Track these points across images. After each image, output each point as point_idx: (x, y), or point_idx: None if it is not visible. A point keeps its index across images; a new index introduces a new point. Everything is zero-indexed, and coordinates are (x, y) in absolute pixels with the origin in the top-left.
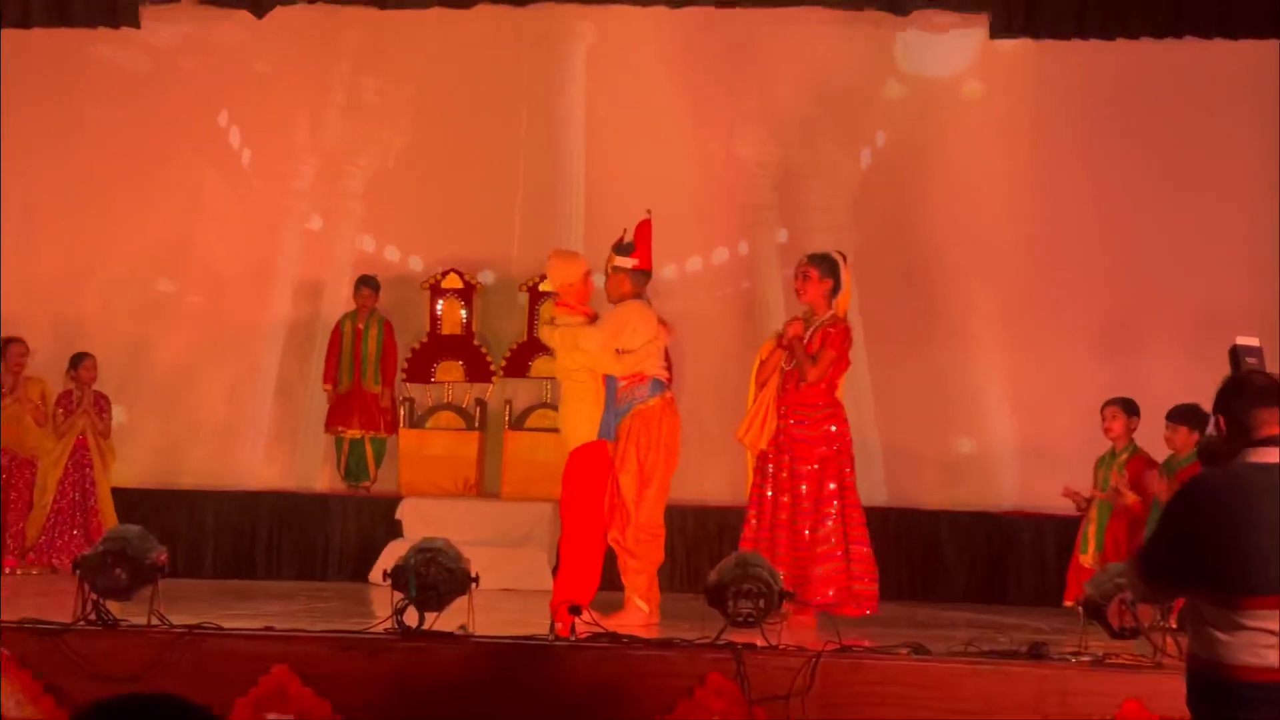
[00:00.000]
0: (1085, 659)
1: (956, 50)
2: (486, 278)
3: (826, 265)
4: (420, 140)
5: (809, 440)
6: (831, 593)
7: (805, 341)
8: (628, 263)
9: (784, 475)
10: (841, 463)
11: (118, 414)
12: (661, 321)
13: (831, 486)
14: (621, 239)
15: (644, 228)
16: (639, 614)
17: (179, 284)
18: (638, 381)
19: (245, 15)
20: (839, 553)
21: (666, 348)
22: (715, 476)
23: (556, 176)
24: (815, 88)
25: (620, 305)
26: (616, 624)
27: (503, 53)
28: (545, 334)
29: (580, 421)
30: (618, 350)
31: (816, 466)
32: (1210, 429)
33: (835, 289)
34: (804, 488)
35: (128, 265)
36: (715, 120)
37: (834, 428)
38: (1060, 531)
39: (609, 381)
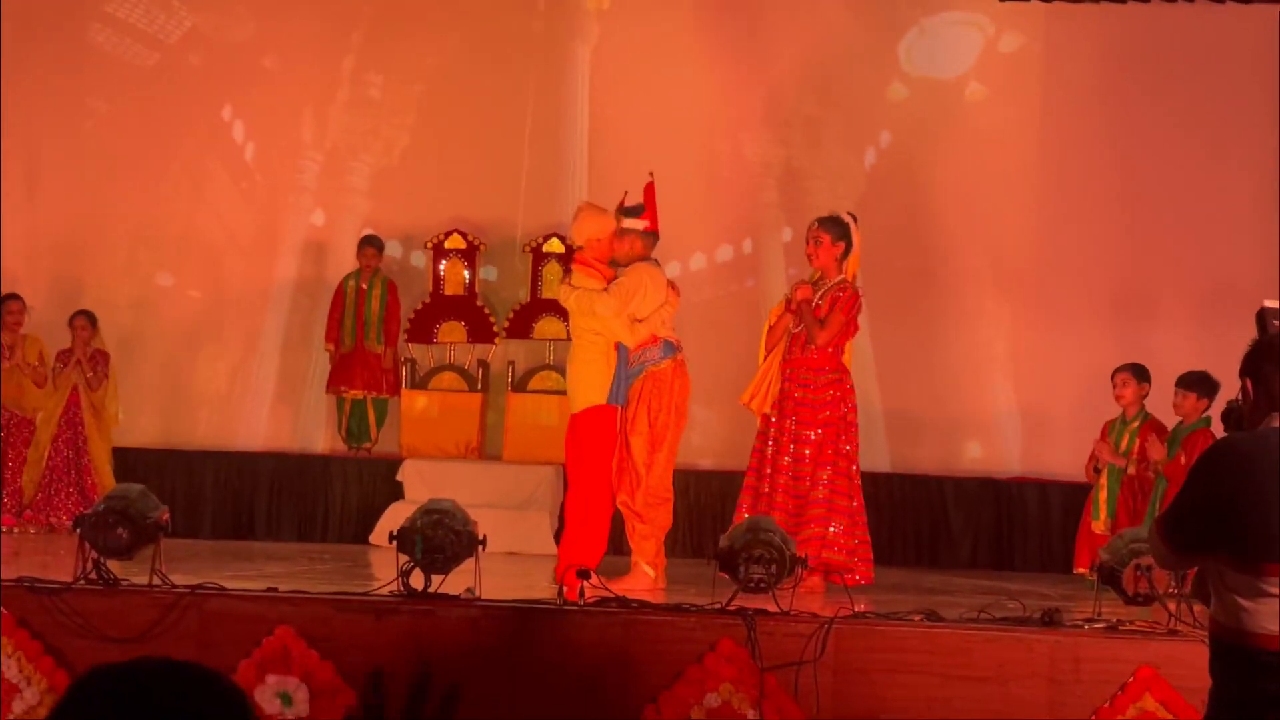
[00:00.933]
0: (1099, 625)
1: (964, 41)
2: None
3: (838, 229)
4: (424, 136)
5: (812, 404)
6: (824, 554)
7: (814, 305)
8: (638, 224)
9: (786, 439)
10: (844, 428)
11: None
12: (671, 284)
13: (831, 451)
14: (623, 201)
15: (650, 190)
16: (645, 579)
17: (177, 264)
18: (649, 344)
19: (250, 11)
20: (834, 517)
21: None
22: (718, 441)
23: (560, 178)
24: (820, 88)
25: (632, 269)
26: (623, 589)
27: (509, 49)
28: (563, 294)
29: (590, 384)
30: (633, 319)
31: (819, 431)
32: (1237, 394)
33: (847, 252)
34: (807, 452)
35: (130, 239)
36: (720, 120)
37: (836, 393)
38: (1067, 498)
39: (621, 345)
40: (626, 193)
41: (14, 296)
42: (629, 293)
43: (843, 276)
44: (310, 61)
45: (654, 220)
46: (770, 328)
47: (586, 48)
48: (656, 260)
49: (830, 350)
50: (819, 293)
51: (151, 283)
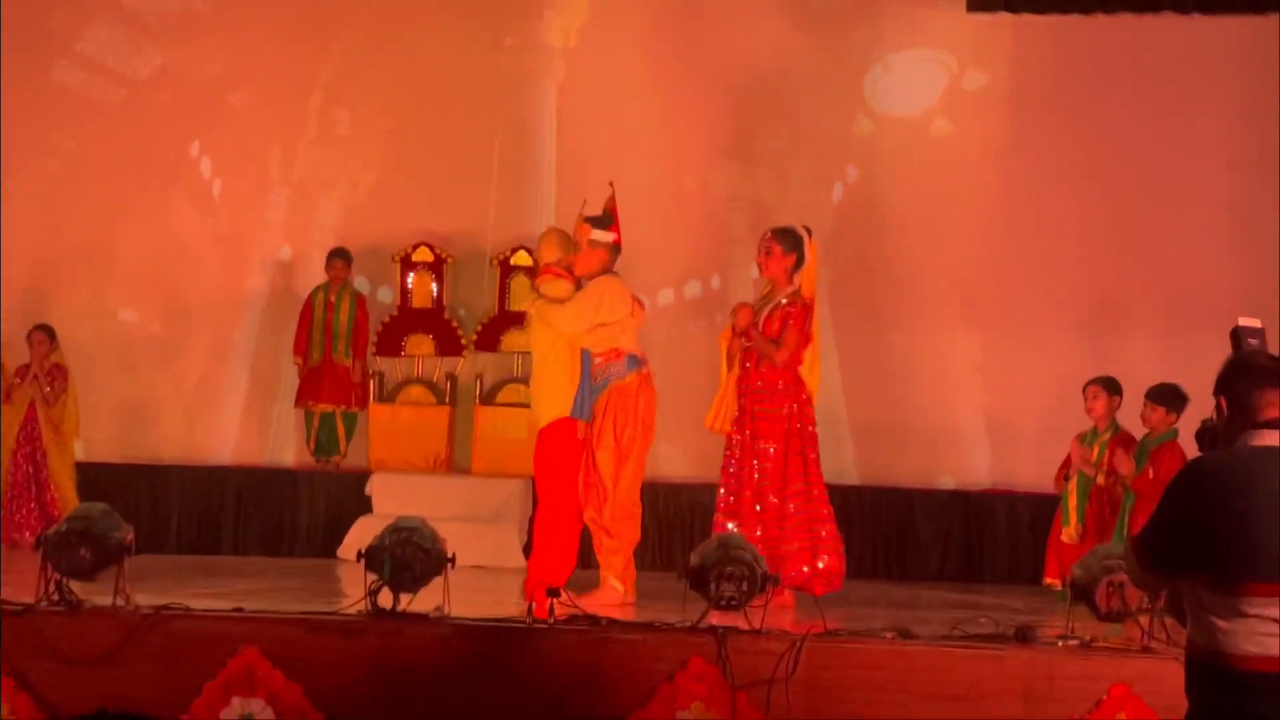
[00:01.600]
0: (1073, 642)
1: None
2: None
3: (790, 240)
4: (391, 173)
5: (770, 418)
6: (805, 569)
7: (762, 324)
8: (607, 237)
9: (748, 455)
10: (805, 438)
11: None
12: (635, 298)
13: (800, 461)
14: (583, 210)
15: (613, 201)
16: (614, 594)
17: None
18: (614, 358)
19: (220, 46)
20: (805, 530)
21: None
22: (687, 454)
23: (527, 210)
24: (787, 123)
25: (594, 281)
26: (592, 604)
27: (476, 86)
28: (527, 305)
29: (554, 397)
30: (595, 325)
31: (777, 446)
32: (1212, 413)
33: (798, 264)
34: (768, 466)
35: (96, 274)
36: (687, 155)
37: (794, 405)
38: (1036, 510)
39: (584, 357)
40: (585, 201)
41: None
42: (592, 304)
43: (794, 289)
44: (278, 99)
45: (619, 232)
46: (726, 351)
47: (553, 84)
48: (616, 273)
49: (788, 365)
50: (768, 306)
51: (115, 318)
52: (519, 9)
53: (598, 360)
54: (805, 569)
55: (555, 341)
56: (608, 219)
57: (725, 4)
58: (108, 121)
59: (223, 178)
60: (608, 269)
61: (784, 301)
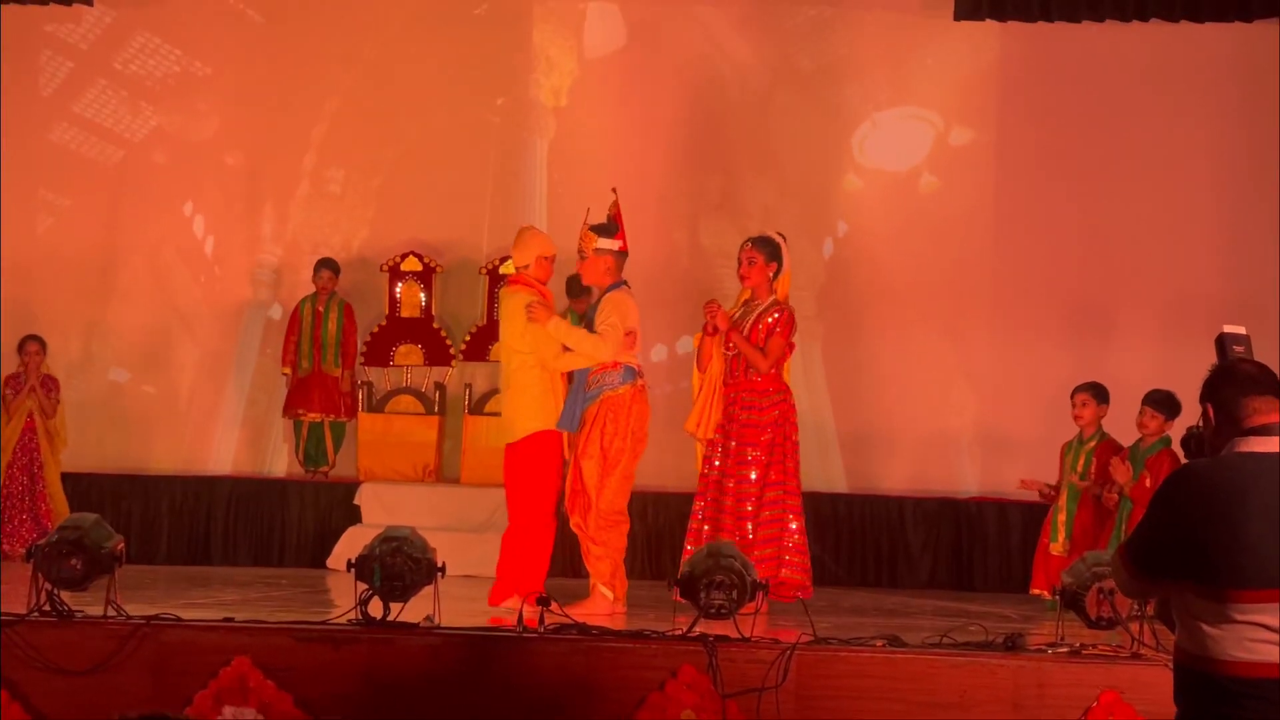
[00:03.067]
0: (1062, 650)
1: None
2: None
3: (770, 249)
4: (383, 230)
5: (756, 425)
6: (783, 574)
7: (748, 331)
8: (613, 245)
9: (730, 462)
10: (787, 447)
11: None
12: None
13: (778, 471)
14: (586, 219)
15: (618, 208)
16: (604, 602)
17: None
18: (610, 368)
19: (214, 110)
20: (774, 540)
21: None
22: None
23: (518, 221)
24: (776, 178)
25: (612, 303)
26: (583, 613)
27: (467, 143)
28: (560, 332)
29: (529, 410)
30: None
31: (761, 454)
32: (1198, 420)
33: (778, 272)
34: (752, 475)
35: (85, 333)
36: (678, 210)
37: (780, 413)
38: (1025, 518)
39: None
40: (589, 209)
41: None
42: (620, 330)
43: (774, 297)
44: (272, 158)
45: (625, 239)
46: (698, 351)
47: (544, 142)
48: (626, 283)
49: (773, 372)
50: (752, 314)
51: (105, 378)
52: (510, 71)
53: (593, 370)
54: (769, 578)
55: (528, 355)
56: (612, 227)
57: (713, 64)
58: (104, 181)
59: (215, 235)
60: (616, 277)
61: (767, 310)
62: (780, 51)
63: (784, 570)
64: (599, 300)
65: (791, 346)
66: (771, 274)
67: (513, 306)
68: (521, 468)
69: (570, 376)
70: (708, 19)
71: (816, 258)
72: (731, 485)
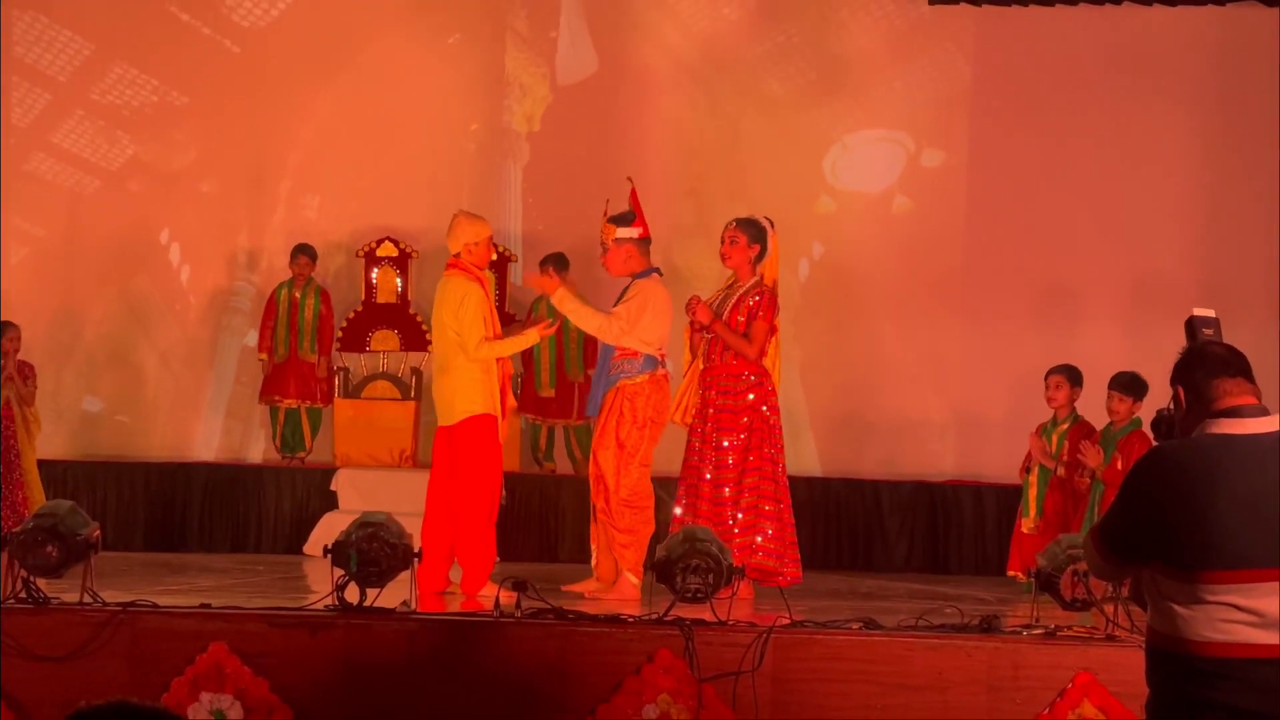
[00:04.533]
0: (1037, 632)
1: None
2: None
3: (754, 230)
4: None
5: (733, 410)
6: (757, 558)
7: (727, 315)
8: (632, 232)
9: (709, 447)
10: (766, 431)
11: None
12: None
13: (755, 456)
14: (606, 210)
15: (635, 195)
16: (631, 588)
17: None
18: (630, 355)
19: (190, 137)
20: (751, 528)
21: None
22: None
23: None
24: (749, 201)
25: (641, 291)
26: (617, 598)
27: (442, 169)
28: (570, 308)
29: (467, 393)
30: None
31: (741, 437)
32: (1168, 403)
33: (761, 254)
34: (730, 460)
35: (58, 361)
36: (652, 233)
37: (757, 397)
38: (1000, 500)
39: (603, 351)
40: (608, 201)
41: None
42: (635, 316)
43: (757, 279)
44: (248, 186)
45: (645, 225)
46: (689, 345)
47: (518, 167)
48: (659, 270)
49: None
50: (732, 297)
51: (80, 293)
52: (484, 97)
53: (615, 355)
54: (746, 564)
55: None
56: (630, 215)
57: (683, 89)
58: (80, 210)
59: (190, 264)
60: (643, 263)
61: (748, 292)
62: (750, 76)
63: (758, 555)
64: (629, 285)
65: (775, 329)
66: (754, 256)
67: (447, 291)
68: (464, 450)
69: (594, 360)
70: (677, 46)
71: (793, 280)
72: (709, 471)
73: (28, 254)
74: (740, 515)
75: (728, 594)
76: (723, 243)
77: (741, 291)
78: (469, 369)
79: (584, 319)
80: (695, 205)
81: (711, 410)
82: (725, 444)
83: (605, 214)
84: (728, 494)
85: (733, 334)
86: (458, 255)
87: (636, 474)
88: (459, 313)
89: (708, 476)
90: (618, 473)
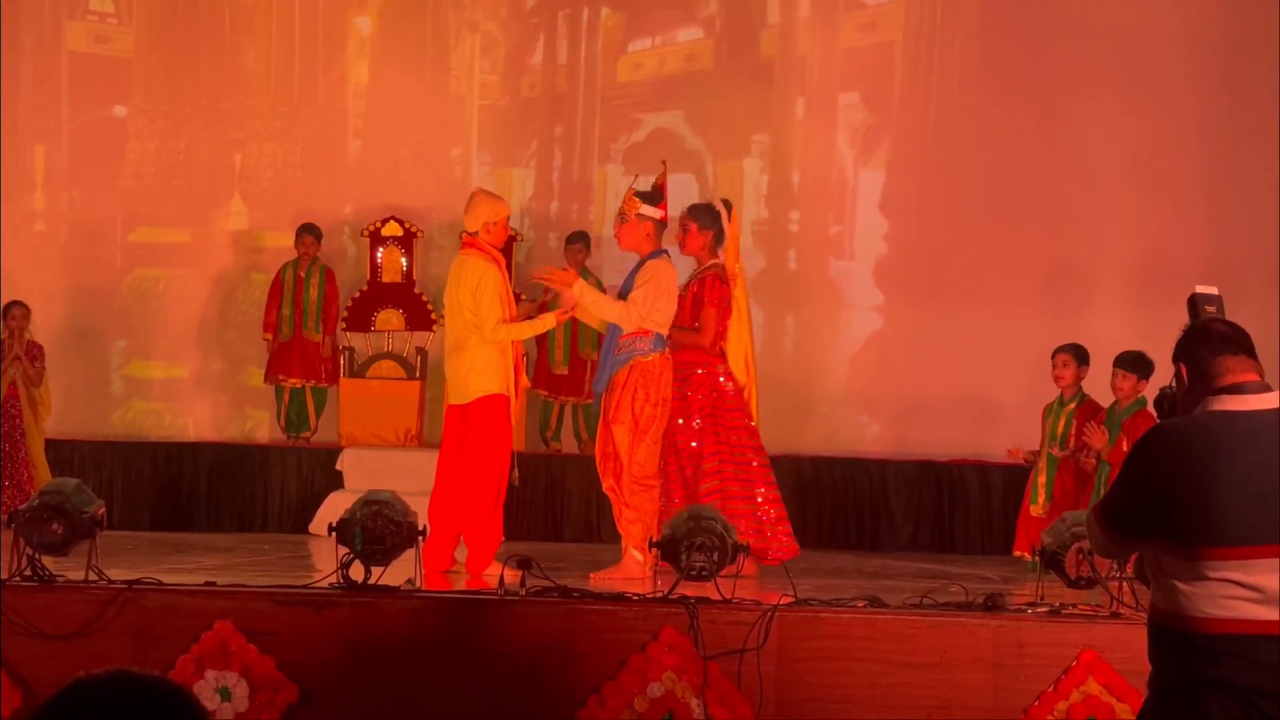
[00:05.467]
0: (1042, 609)
1: None
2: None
3: (707, 216)
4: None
5: (680, 397)
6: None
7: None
8: (655, 213)
9: (668, 437)
10: (718, 416)
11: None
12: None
13: (713, 440)
14: (634, 184)
15: (664, 178)
16: (636, 565)
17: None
18: (640, 334)
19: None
20: (729, 504)
21: None
22: None
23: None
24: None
25: (652, 273)
26: (617, 576)
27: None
28: (588, 299)
29: (481, 373)
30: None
31: (688, 424)
32: (1171, 380)
33: (718, 239)
34: (694, 444)
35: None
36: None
37: (706, 383)
38: (1007, 480)
39: (611, 330)
40: (637, 176)
41: None
42: (652, 300)
43: (714, 261)
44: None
45: (667, 209)
46: None
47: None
48: (667, 251)
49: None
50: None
51: (85, 271)
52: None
53: (624, 335)
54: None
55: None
56: (657, 195)
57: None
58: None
59: None
60: (655, 244)
61: (690, 281)
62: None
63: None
64: (639, 266)
65: (728, 309)
66: (710, 241)
67: (464, 271)
68: (476, 429)
69: (600, 338)
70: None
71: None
72: (672, 456)
73: (33, 233)
74: (706, 498)
75: (732, 571)
76: (678, 231)
77: (691, 276)
78: (484, 349)
79: (605, 309)
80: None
81: (675, 397)
82: (679, 424)
83: (633, 187)
84: (690, 472)
85: (683, 334)
86: (474, 234)
87: (648, 450)
88: (476, 293)
89: (673, 461)
90: (632, 448)
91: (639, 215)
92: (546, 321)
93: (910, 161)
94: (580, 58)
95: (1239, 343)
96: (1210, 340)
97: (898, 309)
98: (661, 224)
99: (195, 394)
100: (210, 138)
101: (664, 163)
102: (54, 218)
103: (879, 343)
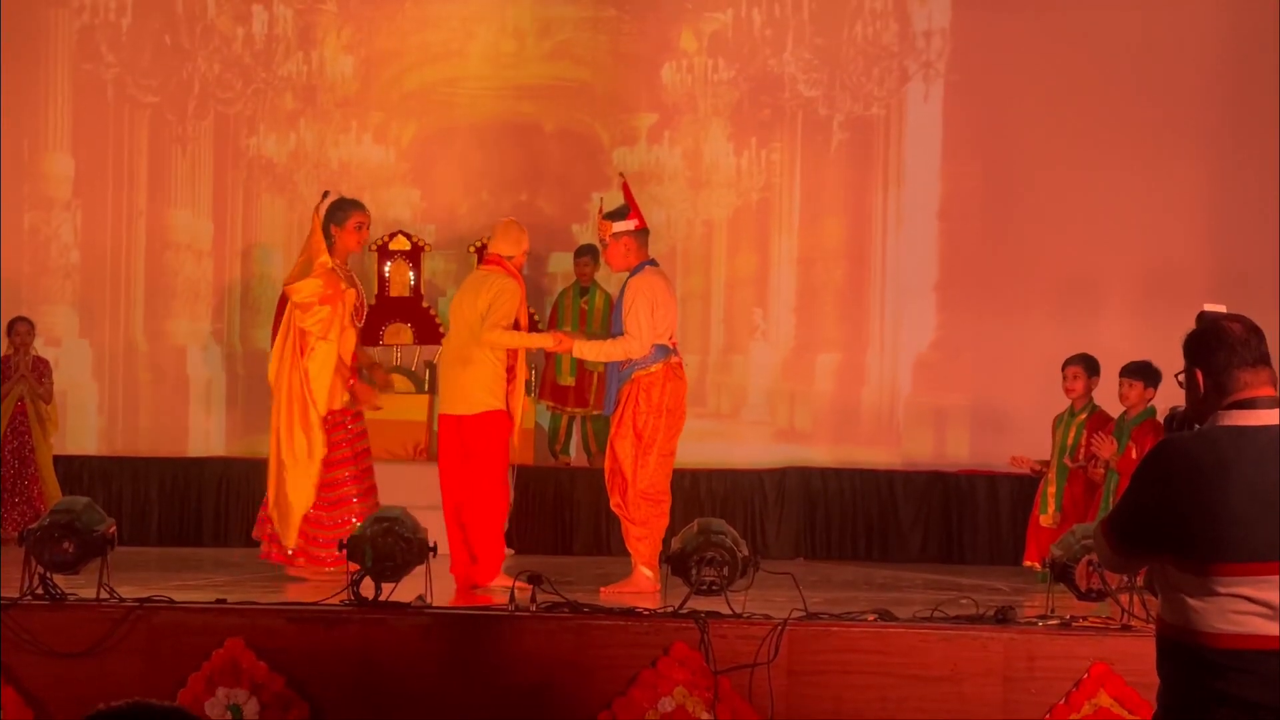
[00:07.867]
0: (1053, 622)
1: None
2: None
3: (615, 213)
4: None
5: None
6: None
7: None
8: (628, 225)
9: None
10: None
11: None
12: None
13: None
14: (600, 209)
15: (627, 189)
16: (646, 581)
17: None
18: None
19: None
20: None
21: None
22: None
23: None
24: None
25: (638, 288)
26: (626, 592)
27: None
28: (589, 352)
29: (483, 386)
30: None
31: (615, 428)
32: (1176, 375)
33: (642, 233)
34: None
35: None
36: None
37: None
38: (1015, 491)
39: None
40: (601, 199)
41: None
42: (643, 322)
43: (644, 261)
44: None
45: (640, 216)
46: None
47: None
48: (655, 261)
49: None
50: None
51: (92, 285)
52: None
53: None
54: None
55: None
56: (624, 209)
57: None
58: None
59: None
60: (641, 255)
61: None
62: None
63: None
64: (622, 290)
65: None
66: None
67: (488, 282)
68: (481, 442)
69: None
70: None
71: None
72: (609, 463)
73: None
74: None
75: (745, 586)
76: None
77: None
78: (493, 365)
79: (609, 354)
80: None
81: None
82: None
83: (600, 211)
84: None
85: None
86: (509, 258)
87: (655, 465)
88: (495, 300)
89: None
90: (636, 463)
91: (614, 235)
92: (543, 339)
93: (919, 174)
94: None
95: (1256, 350)
96: (1230, 349)
97: (907, 318)
98: (639, 232)
99: (203, 409)
100: None
101: (621, 175)
102: (62, 232)
103: (888, 352)
